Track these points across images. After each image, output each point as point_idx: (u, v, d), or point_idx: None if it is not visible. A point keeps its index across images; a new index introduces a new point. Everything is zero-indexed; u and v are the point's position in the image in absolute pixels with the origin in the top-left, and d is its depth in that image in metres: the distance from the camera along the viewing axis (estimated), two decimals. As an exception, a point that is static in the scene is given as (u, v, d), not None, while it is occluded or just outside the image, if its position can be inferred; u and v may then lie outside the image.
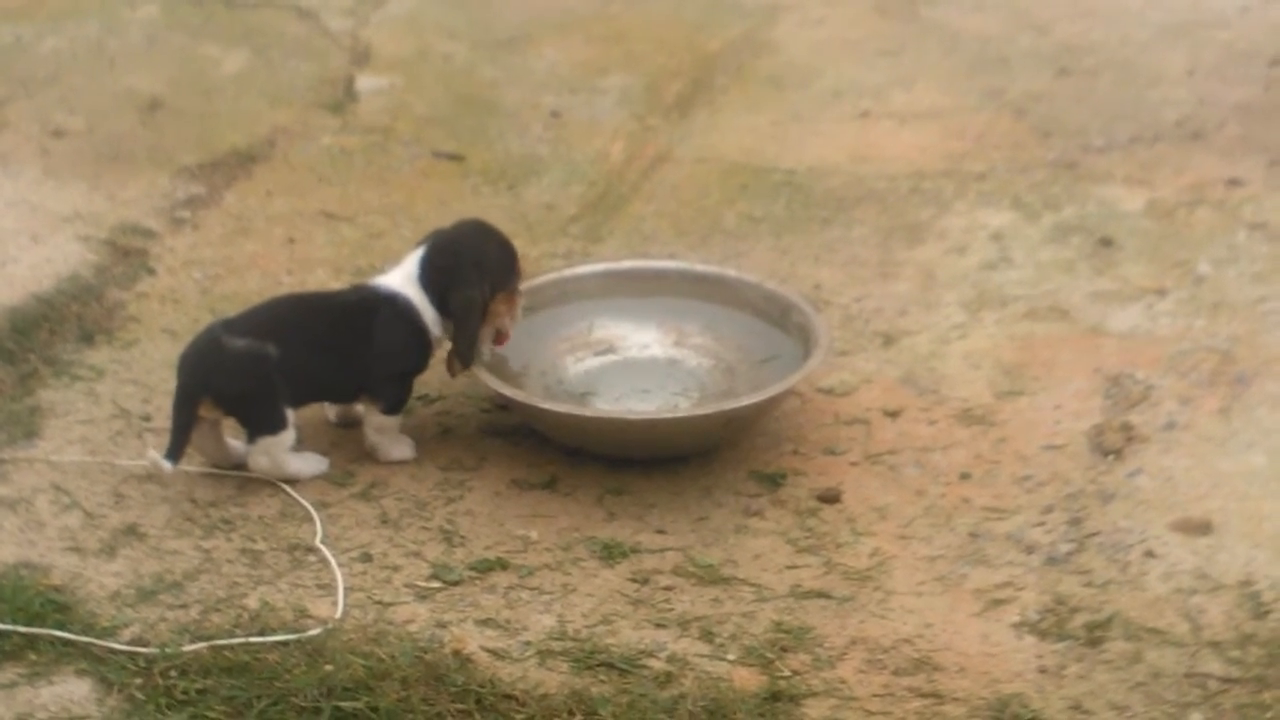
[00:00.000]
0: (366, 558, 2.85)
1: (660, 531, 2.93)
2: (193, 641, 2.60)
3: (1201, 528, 2.90)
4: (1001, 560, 2.84)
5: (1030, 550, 2.87)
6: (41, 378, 3.38)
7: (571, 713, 2.45)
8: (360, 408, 3.16)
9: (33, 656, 2.59)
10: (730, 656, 2.60)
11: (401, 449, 3.14)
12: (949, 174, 4.39)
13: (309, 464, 3.08)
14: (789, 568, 2.83)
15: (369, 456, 3.13)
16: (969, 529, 2.93)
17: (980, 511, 2.98)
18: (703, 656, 2.60)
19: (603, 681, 2.54)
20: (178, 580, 2.78)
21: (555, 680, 2.54)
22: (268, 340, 2.97)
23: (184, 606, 2.71)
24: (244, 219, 4.14)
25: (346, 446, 3.17)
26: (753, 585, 2.78)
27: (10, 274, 3.77)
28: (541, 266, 3.71)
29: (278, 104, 4.89)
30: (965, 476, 3.08)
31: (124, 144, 4.56)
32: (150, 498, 3.02)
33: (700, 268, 3.53)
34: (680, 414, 3.17)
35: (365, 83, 5.10)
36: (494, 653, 2.60)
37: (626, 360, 3.40)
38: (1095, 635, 2.64)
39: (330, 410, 3.25)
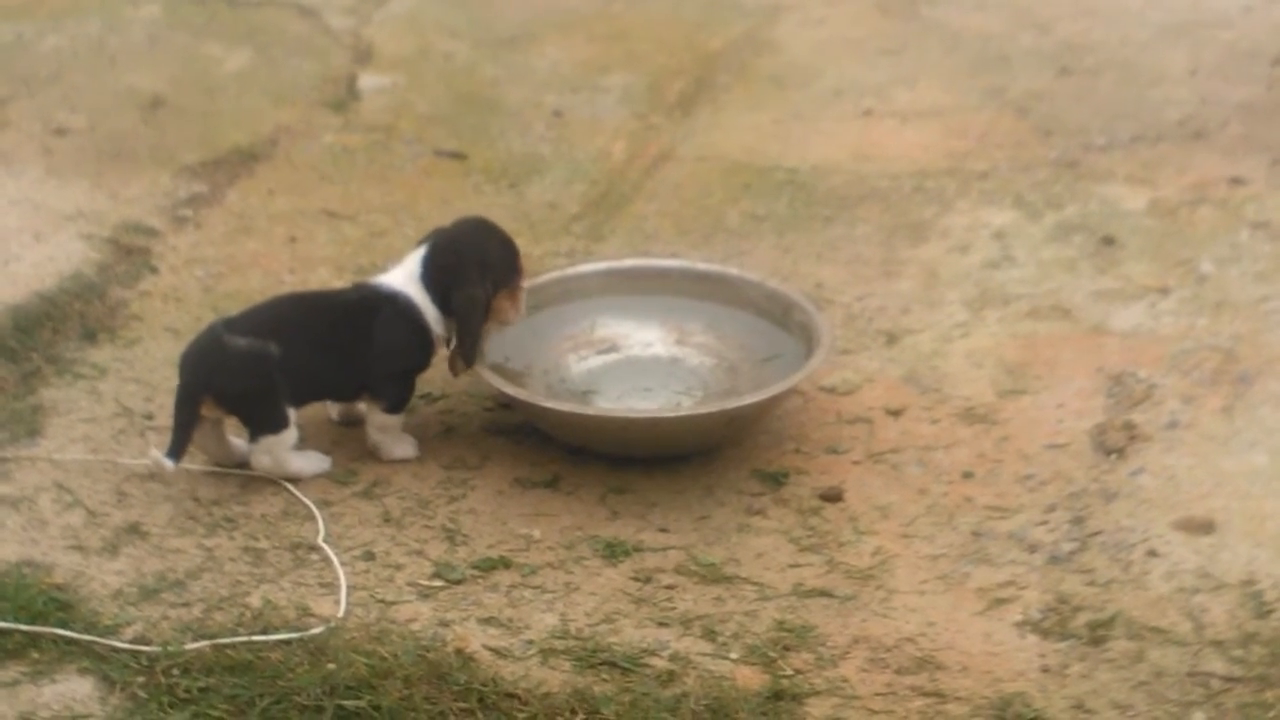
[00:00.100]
0: (369, 556, 2.85)
1: (663, 530, 2.93)
2: (195, 640, 2.60)
3: (1204, 527, 2.90)
4: (1004, 559, 2.84)
5: (1033, 549, 2.86)
6: (44, 376, 3.38)
7: (574, 711, 2.45)
8: (362, 406, 3.16)
9: (35, 655, 2.59)
10: (733, 655, 2.60)
11: (404, 447, 3.14)
12: (951, 173, 4.39)
13: (311, 462, 3.08)
14: (791, 566, 2.83)
15: (371, 455, 3.13)
16: (971, 528, 2.93)
17: (983, 510, 2.98)
18: (705, 655, 2.60)
19: (605, 680, 2.53)
20: (180, 579, 2.78)
21: (558, 679, 2.54)
22: (269, 339, 2.97)
23: (186, 605, 2.71)
24: (246, 217, 4.14)
25: (349, 445, 3.17)
26: (755, 584, 2.78)
27: (13, 272, 3.77)
28: (544, 265, 3.71)
29: (280, 102, 4.89)
30: (968, 475, 3.08)
31: (126, 142, 4.56)
32: (153, 496, 3.02)
33: (702, 266, 3.53)
34: (683, 413, 3.17)
35: (367, 81, 5.10)
36: (496, 651, 2.60)
37: (629, 359, 3.40)
38: (1098, 634, 2.64)
39: (332, 409, 3.25)
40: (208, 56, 5.25)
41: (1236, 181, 4.25)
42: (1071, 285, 3.75)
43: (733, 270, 3.49)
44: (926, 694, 2.52)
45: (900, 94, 4.98)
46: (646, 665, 2.57)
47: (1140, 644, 2.62)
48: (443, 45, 5.44)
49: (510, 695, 2.48)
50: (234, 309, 3.19)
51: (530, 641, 2.63)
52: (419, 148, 4.60)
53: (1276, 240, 3.92)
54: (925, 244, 3.98)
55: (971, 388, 3.36)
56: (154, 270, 3.84)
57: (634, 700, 2.47)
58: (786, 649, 2.61)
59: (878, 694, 2.52)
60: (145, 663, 2.55)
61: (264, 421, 3.00)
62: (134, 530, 2.92)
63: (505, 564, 2.83)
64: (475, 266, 3.08)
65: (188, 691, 2.49)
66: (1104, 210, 4.13)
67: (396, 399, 3.10)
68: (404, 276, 3.10)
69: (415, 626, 2.66)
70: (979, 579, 2.79)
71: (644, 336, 3.43)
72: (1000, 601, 2.73)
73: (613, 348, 3.42)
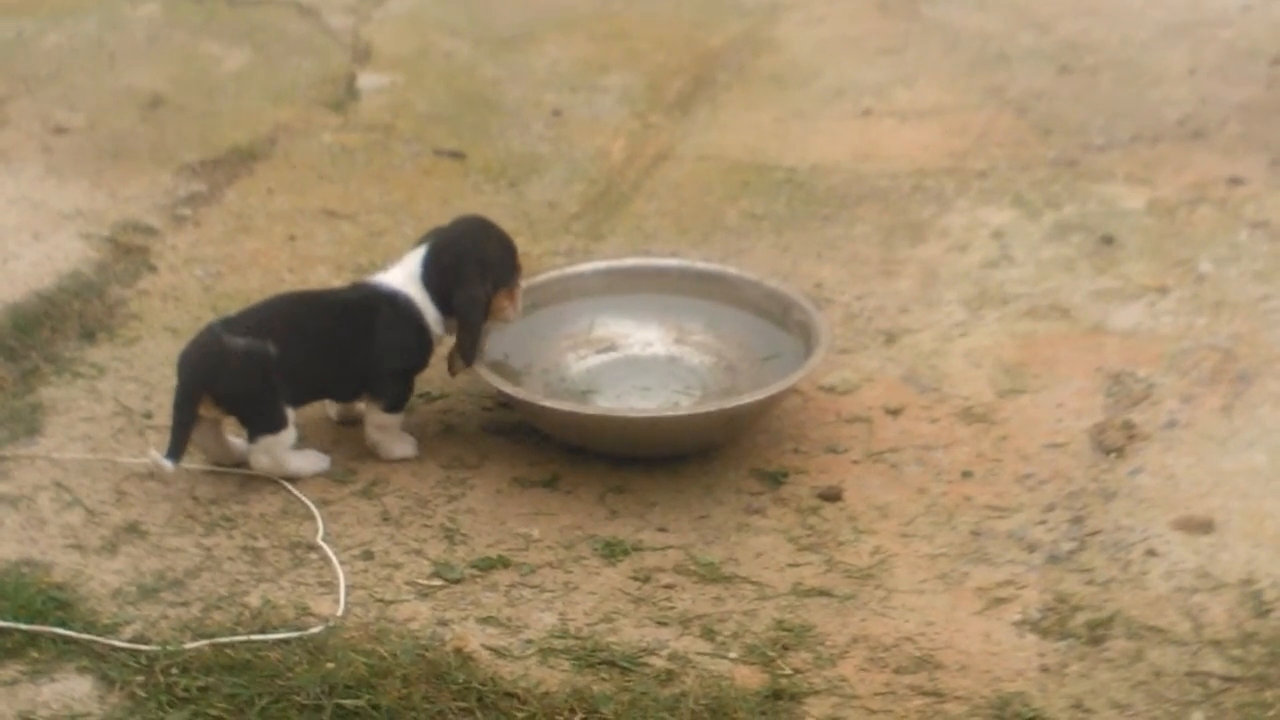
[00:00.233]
0: (368, 555, 2.85)
1: (662, 530, 2.93)
2: (194, 639, 2.60)
3: (1203, 526, 2.90)
4: (1003, 558, 2.84)
5: (1032, 548, 2.86)
6: (43, 375, 3.38)
7: (573, 711, 2.45)
8: (361, 406, 3.16)
9: (34, 654, 2.59)
10: (732, 654, 2.60)
11: (403, 447, 3.14)
12: (950, 172, 4.38)
13: (310, 462, 3.08)
14: (790, 566, 2.83)
15: (370, 454, 3.13)
16: (970, 527, 2.93)
17: (982, 510, 2.98)
18: (704, 655, 2.60)
19: (604, 679, 2.53)
20: (179, 578, 2.78)
21: (557, 678, 2.53)
22: (268, 339, 2.96)
23: (185, 604, 2.71)
24: (245, 216, 4.14)
25: (348, 444, 3.17)
26: (754, 583, 2.78)
27: (12, 271, 3.77)
28: (543, 264, 3.71)
29: (279, 102, 4.89)
30: (967, 475, 3.08)
31: (125, 141, 4.56)
32: (152, 495, 3.02)
33: (702, 265, 3.53)
34: (682, 412, 3.17)
35: (366, 80, 5.10)
36: (495, 651, 2.60)
37: (628, 358, 3.40)
38: (1097, 634, 2.64)
39: (331, 408, 3.25)
40: (207, 56, 5.25)
41: (1235, 181, 4.25)
42: (1070, 285, 3.75)
43: (732, 269, 3.49)
44: (925, 693, 2.52)
45: (900, 93, 4.98)
46: (645, 664, 2.57)
47: (1139, 643, 2.62)
48: (442, 44, 5.44)
49: (509, 694, 2.48)
50: (233, 308, 3.19)
51: (529, 641, 2.63)
52: (418, 147, 4.60)
53: (1275, 240, 3.92)
54: (924, 243, 3.98)
55: (970, 387, 3.36)
56: (153, 269, 3.84)
57: (633, 700, 2.47)
58: (785, 648, 2.61)
59: (877, 693, 2.52)
60: (144, 662, 2.55)
61: (263, 421, 3.00)
62: (133, 529, 2.92)
63: (504, 563, 2.83)
64: (476, 266, 3.08)
65: (187, 690, 2.49)
66: (1103, 210, 4.13)
67: (396, 398, 3.10)
68: (404, 276, 3.10)
69: (414, 626, 2.66)
70: (978, 578, 2.79)
71: (643, 336, 3.43)
72: (999, 601, 2.73)
73: (612, 347, 3.42)
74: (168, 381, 3.12)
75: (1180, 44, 5.28)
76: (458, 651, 2.58)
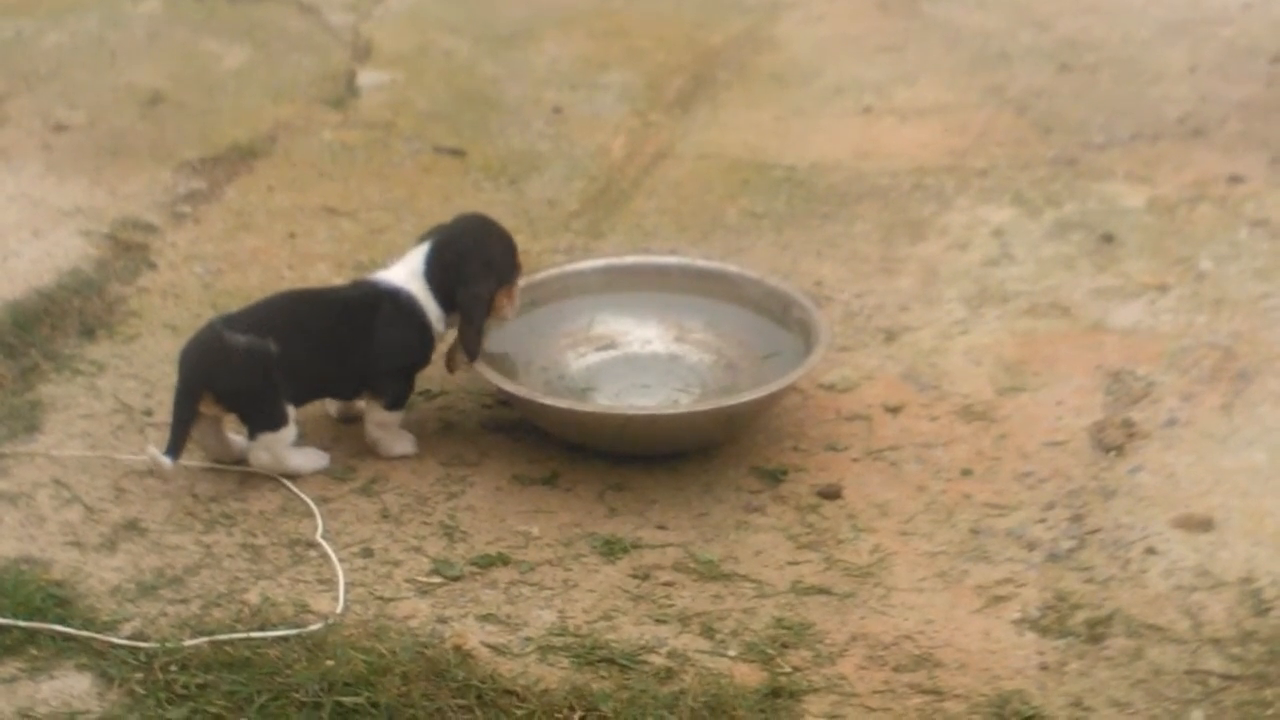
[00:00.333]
0: (367, 553, 2.85)
1: (661, 527, 2.93)
2: (193, 636, 2.60)
3: (1203, 524, 2.90)
4: (1002, 557, 2.84)
5: (1031, 547, 2.86)
6: (42, 372, 3.38)
7: (572, 708, 2.44)
8: (361, 403, 3.16)
9: (33, 651, 2.59)
10: (731, 652, 2.60)
11: (403, 444, 3.14)
12: (950, 170, 4.38)
13: (310, 459, 3.08)
14: (790, 564, 2.83)
15: (370, 452, 3.13)
16: (970, 525, 2.93)
17: (981, 508, 2.98)
18: (703, 652, 2.60)
19: (603, 677, 2.53)
20: (178, 575, 2.78)
21: (556, 676, 2.53)
22: (269, 337, 2.96)
23: (184, 601, 2.71)
24: (245, 214, 4.14)
25: (347, 442, 3.17)
26: (753, 581, 2.78)
27: (11, 268, 3.77)
28: (543, 262, 3.71)
29: (279, 99, 4.89)
30: (966, 473, 3.08)
31: (125, 139, 4.56)
32: (151, 493, 3.02)
33: (702, 263, 3.53)
34: (681, 410, 3.17)
35: (367, 78, 5.10)
36: (495, 648, 2.60)
37: (628, 356, 3.39)
38: (1096, 632, 2.64)
39: (331, 405, 3.25)
40: (207, 53, 5.25)
41: (1235, 179, 4.25)
42: (1070, 283, 3.75)
43: (732, 267, 3.49)
44: (925, 691, 2.52)
45: (900, 91, 4.98)
46: (645, 662, 2.57)
47: (1139, 642, 2.62)
48: (442, 42, 5.44)
49: (508, 692, 2.48)
50: (233, 306, 3.19)
51: (528, 638, 2.63)
52: (418, 144, 4.60)
53: (1275, 238, 3.92)
54: (924, 241, 3.98)
55: (970, 385, 3.36)
56: (153, 267, 3.84)
57: (632, 697, 2.47)
58: (785, 646, 2.61)
59: (876, 691, 2.52)
60: (143, 659, 2.55)
61: (263, 419, 3.00)
62: (132, 526, 2.92)
63: (503, 561, 2.83)
64: (480, 263, 3.09)
65: (186, 688, 2.49)
66: (1103, 208, 4.12)
67: (397, 396, 3.10)
68: (406, 273, 3.10)
69: (413, 623, 2.66)
70: (977, 576, 2.79)
71: (643, 334, 3.43)
72: (999, 599, 2.73)
73: (611, 345, 3.41)
74: (167, 379, 3.12)
75: (1180, 42, 5.28)
76: (457, 649, 2.58)
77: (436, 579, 2.79)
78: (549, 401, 3.08)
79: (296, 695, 2.46)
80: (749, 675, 2.54)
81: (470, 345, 3.07)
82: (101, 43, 5.27)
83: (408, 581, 2.78)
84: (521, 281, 3.22)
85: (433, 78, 5.12)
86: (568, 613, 2.70)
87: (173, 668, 2.53)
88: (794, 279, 3.69)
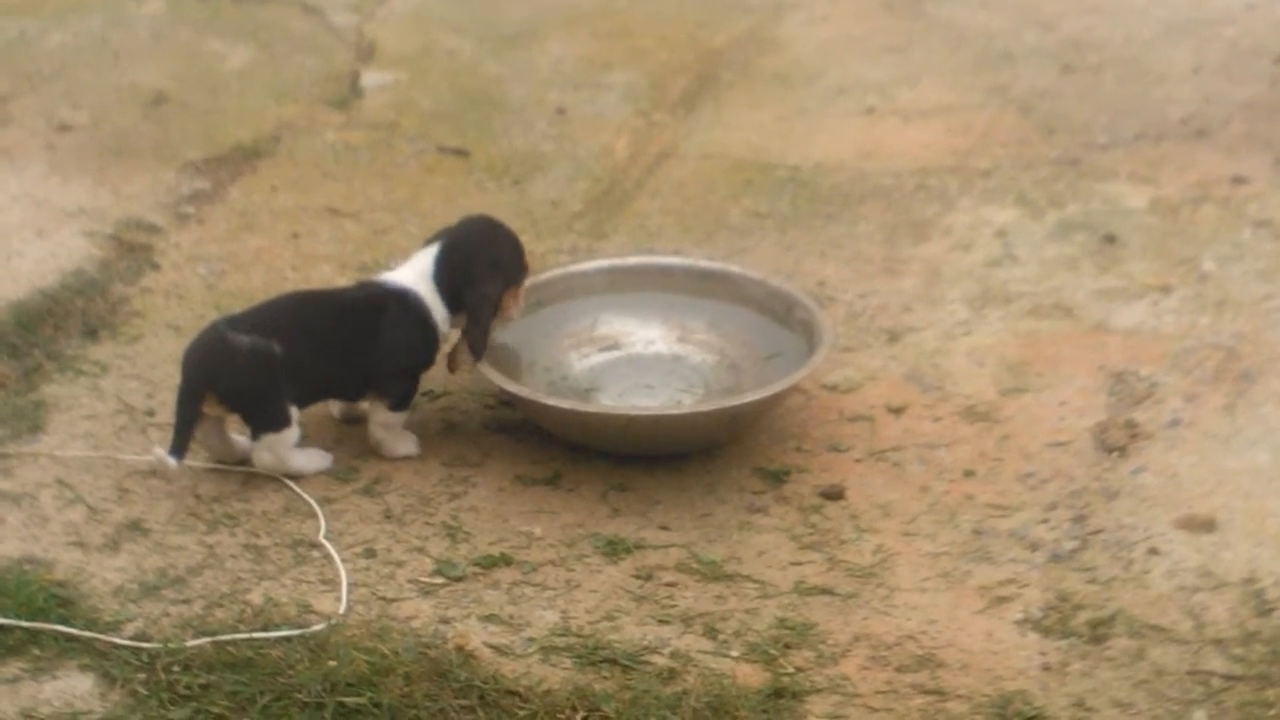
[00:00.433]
0: (370, 553, 2.85)
1: (664, 528, 2.93)
2: (196, 637, 2.60)
3: (1205, 525, 2.90)
4: (1005, 557, 2.84)
5: (1034, 547, 2.86)
6: (45, 372, 3.38)
7: (574, 709, 2.45)
8: (364, 404, 3.16)
9: (36, 651, 2.59)
10: (733, 653, 2.60)
11: (406, 445, 3.14)
12: (954, 170, 4.38)
13: (313, 460, 3.08)
14: (792, 564, 2.83)
15: (373, 452, 3.13)
16: (973, 526, 2.93)
17: (984, 508, 2.98)
18: (706, 653, 2.60)
19: (606, 678, 2.54)
20: (181, 575, 2.79)
21: (558, 676, 2.54)
22: (273, 338, 2.97)
23: (187, 602, 2.72)
24: (248, 214, 4.14)
25: (350, 442, 3.17)
26: (756, 582, 2.78)
27: (15, 268, 3.77)
28: (546, 262, 3.71)
29: (283, 99, 4.89)
30: (969, 473, 3.08)
31: (129, 139, 4.57)
32: (154, 493, 3.02)
33: (705, 264, 3.53)
34: (684, 410, 3.17)
35: (370, 78, 5.11)
36: (497, 649, 2.60)
37: (631, 356, 3.40)
38: (1099, 632, 2.64)
39: (334, 406, 3.25)
40: (211, 53, 5.25)
41: (1239, 180, 4.24)
42: (1073, 283, 3.75)
43: (735, 268, 3.49)
44: (927, 692, 2.52)
45: (903, 92, 4.98)
46: (647, 663, 2.57)
47: (1141, 642, 2.62)
48: (446, 42, 5.44)
49: (511, 692, 2.48)
50: (236, 306, 3.19)
51: (531, 639, 2.63)
52: (422, 145, 4.60)
53: (1278, 239, 3.92)
54: (927, 242, 3.98)
55: (973, 386, 3.36)
56: (156, 267, 3.85)
57: (634, 698, 2.47)
58: (787, 647, 2.61)
59: (878, 692, 2.52)
60: (146, 659, 2.55)
61: (266, 419, 3.00)
62: (135, 527, 2.92)
63: (506, 561, 2.83)
64: (489, 264, 3.10)
65: (188, 688, 2.49)
66: (1106, 208, 4.12)
67: (401, 396, 3.10)
68: (414, 274, 3.10)
69: (416, 624, 2.66)
70: (980, 577, 2.79)
71: (646, 334, 3.43)
72: (1001, 599, 2.73)
73: (615, 345, 3.42)
74: (170, 379, 3.12)
75: (1184, 42, 5.28)
76: (460, 649, 2.58)
77: (439, 579, 2.79)
78: (552, 402, 3.08)
79: (299, 696, 2.46)
80: (751, 676, 2.54)
81: (477, 345, 3.08)
82: (105, 43, 5.28)
83: (410, 582, 2.78)
84: (526, 282, 3.22)
85: (436, 78, 5.12)
86: (570, 613, 2.70)
87: (175, 668, 2.53)
88: (797, 279, 3.69)
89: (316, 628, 2.63)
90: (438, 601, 2.73)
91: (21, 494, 3.00)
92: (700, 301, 3.42)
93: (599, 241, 3.99)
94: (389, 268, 3.18)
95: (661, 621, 2.68)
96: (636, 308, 3.44)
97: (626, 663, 2.57)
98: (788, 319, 3.30)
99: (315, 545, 2.87)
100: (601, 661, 2.57)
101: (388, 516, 2.96)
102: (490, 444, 3.19)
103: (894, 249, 3.95)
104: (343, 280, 3.68)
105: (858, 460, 3.13)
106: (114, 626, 2.64)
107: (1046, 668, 2.57)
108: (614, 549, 2.86)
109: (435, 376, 3.24)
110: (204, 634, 2.61)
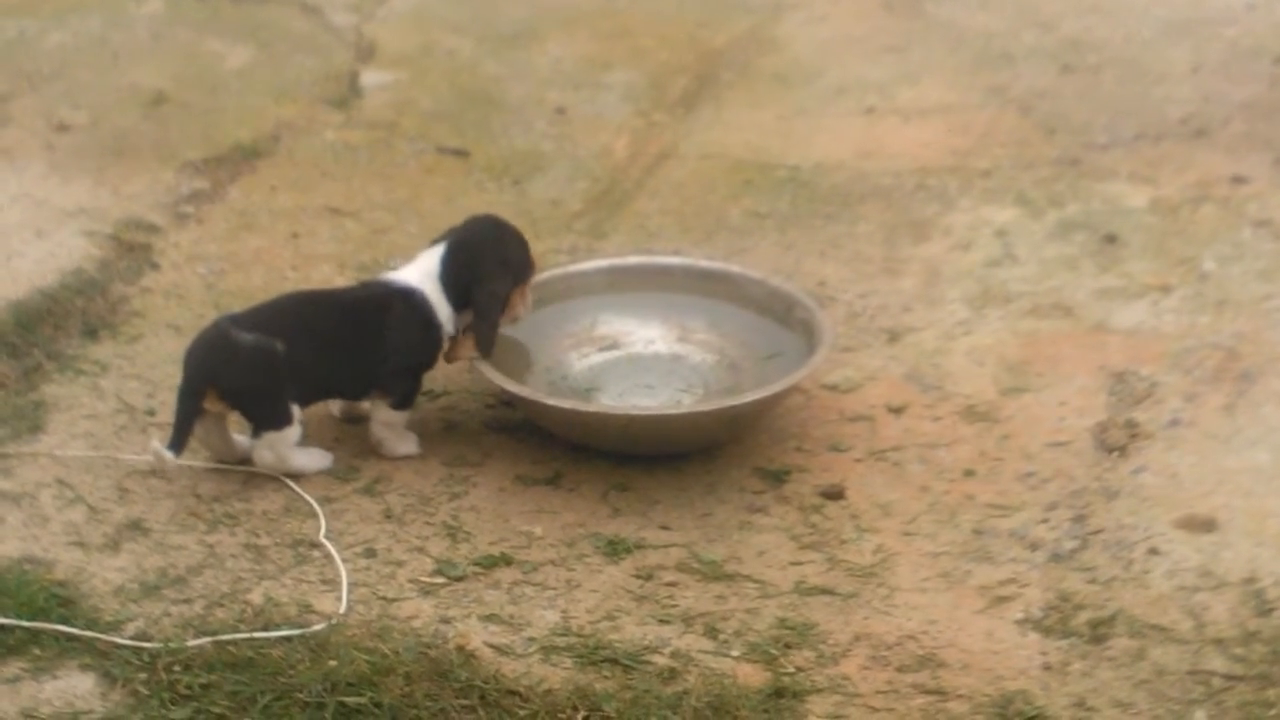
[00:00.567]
0: (370, 553, 2.85)
1: (664, 528, 2.93)
2: (196, 636, 2.60)
3: (1206, 525, 2.90)
4: (1005, 557, 2.84)
5: (1034, 547, 2.86)
6: (45, 372, 3.38)
7: (575, 709, 2.45)
8: (366, 404, 3.16)
9: (36, 651, 2.59)
10: (734, 653, 2.60)
11: (406, 444, 3.14)
12: (954, 170, 4.38)
13: (313, 459, 3.08)
14: (793, 564, 2.83)
15: (373, 452, 3.13)
16: (973, 526, 2.93)
17: (984, 508, 2.98)
18: (706, 653, 2.60)
19: (606, 678, 2.54)
20: (181, 575, 2.79)
21: (559, 676, 2.54)
22: (275, 336, 2.97)
23: (188, 601, 2.72)
24: (248, 214, 4.14)
25: (351, 442, 3.17)
26: (757, 581, 2.78)
27: (15, 268, 3.77)
28: (546, 262, 3.70)
29: (282, 99, 4.89)
30: (969, 473, 3.08)
31: (128, 139, 4.56)
32: (154, 493, 3.02)
33: (704, 264, 3.53)
34: (684, 410, 3.18)
35: (370, 78, 5.10)
36: (498, 648, 2.60)
37: (631, 356, 3.40)
38: (1099, 632, 2.64)
39: (335, 405, 3.25)
40: (210, 53, 5.25)
41: (1239, 180, 4.25)
42: (1073, 283, 3.75)
43: (735, 267, 3.49)
44: (928, 692, 2.52)
45: (903, 91, 4.97)
46: (648, 662, 2.57)
47: (1141, 642, 2.62)
48: (445, 42, 5.44)
49: (512, 692, 2.48)
50: (236, 306, 3.19)
51: (532, 639, 2.63)
52: (421, 144, 4.60)
53: (1278, 238, 3.92)
54: (927, 242, 3.98)
55: (973, 385, 3.36)
56: (156, 267, 3.85)
57: (635, 697, 2.47)
58: (788, 646, 2.61)
59: (879, 691, 2.52)
60: (146, 659, 2.55)
61: (267, 417, 3.01)
62: (135, 527, 2.92)
63: (507, 561, 2.83)
64: (496, 262, 3.11)
65: (189, 688, 2.49)
66: (1106, 208, 4.12)
67: (405, 395, 3.11)
68: (420, 273, 3.11)
69: (416, 623, 2.66)
70: (980, 577, 2.79)
71: (646, 334, 3.43)
72: (1002, 599, 2.73)
73: (615, 345, 3.42)
74: (170, 379, 3.12)
75: (1183, 42, 5.28)
76: (460, 649, 2.58)
77: (440, 579, 2.79)
78: (552, 402, 3.08)
79: (300, 695, 2.46)
80: (752, 675, 2.54)
81: (484, 342, 3.08)
82: (104, 43, 5.27)
83: (411, 582, 2.78)
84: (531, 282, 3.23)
85: (436, 78, 5.12)
86: (571, 613, 2.70)
87: (176, 668, 2.53)
88: (797, 279, 3.69)
89: (317, 627, 2.63)
90: (438, 601, 2.73)
91: (22, 494, 3.00)
92: (700, 301, 3.43)
93: (599, 241, 3.99)
94: (390, 267, 3.19)
95: (662, 621, 2.68)
96: (636, 307, 3.44)
97: (627, 662, 2.57)
98: (787, 319, 3.30)
99: (316, 545, 2.87)
100: (602, 661, 2.57)
101: (388, 516, 2.96)
102: (491, 444, 3.19)
103: (894, 249, 3.95)
104: (342, 280, 3.68)
105: (858, 460, 3.13)
106: (115, 626, 2.64)
107: (1047, 667, 2.57)
108: (614, 549, 2.86)
109: (436, 376, 3.24)
110: (205, 634, 2.61)
